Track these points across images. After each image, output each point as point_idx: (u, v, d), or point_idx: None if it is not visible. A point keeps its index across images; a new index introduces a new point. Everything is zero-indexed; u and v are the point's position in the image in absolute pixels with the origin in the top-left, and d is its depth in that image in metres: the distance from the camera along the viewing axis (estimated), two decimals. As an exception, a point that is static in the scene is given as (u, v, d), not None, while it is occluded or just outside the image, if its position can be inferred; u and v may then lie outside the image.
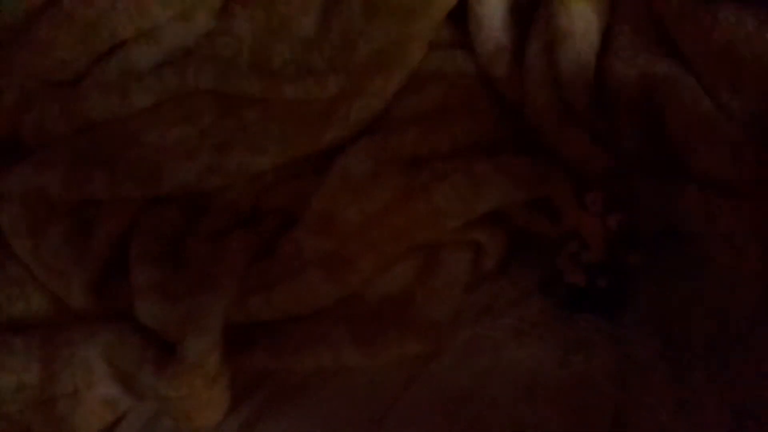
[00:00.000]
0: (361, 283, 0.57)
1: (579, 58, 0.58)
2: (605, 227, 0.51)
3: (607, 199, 0.51)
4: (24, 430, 0.55)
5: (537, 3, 0.62)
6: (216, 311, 0.55)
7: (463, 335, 0.55)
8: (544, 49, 0.59)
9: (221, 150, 0.66)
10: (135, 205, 0.66)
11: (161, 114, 0.68)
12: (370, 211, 0.58)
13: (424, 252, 0.58)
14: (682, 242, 0.53)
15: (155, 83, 0.68)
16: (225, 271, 0.58)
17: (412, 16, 0.63)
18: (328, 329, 0.56)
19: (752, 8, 0.51)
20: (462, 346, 0.55)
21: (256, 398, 0.56)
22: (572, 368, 0.52)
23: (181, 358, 0.54)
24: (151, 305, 0.57)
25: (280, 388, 0.56)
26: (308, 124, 0.66)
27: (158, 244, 0.62)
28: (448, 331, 0.55)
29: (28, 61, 0.67)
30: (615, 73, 0.57)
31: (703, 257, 0.53)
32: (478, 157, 0.56)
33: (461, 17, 0.64)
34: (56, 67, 0.68)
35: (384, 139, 0.61)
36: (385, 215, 0.57)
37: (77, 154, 0.65)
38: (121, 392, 0.56)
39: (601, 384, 0.51)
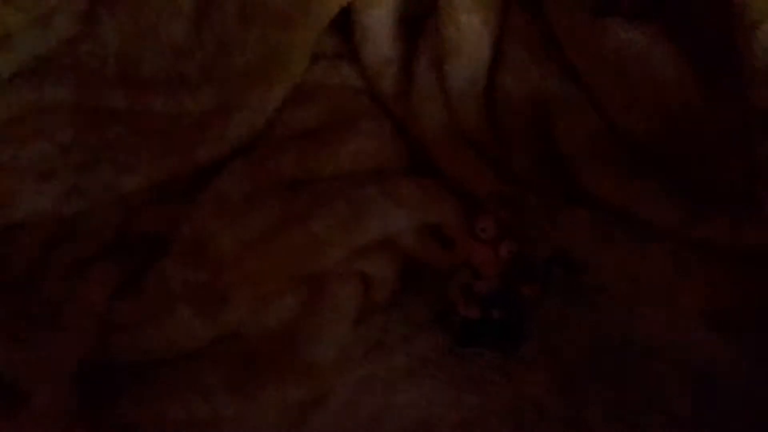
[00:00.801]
0: (238, 320, 0.52)
1: (469, 72, 0.54)
2: (497, 256, 0.48)
3: (499, 226, 0.48)
4: None
5: (426, 15, 0.58)
6: (68, 356, 0.50)
7: (351, 376, 0.51)
8: (433, 63, 0.56)
9: (83, 170, 0.60)
10: (-15, 234, 0.59)
11: (15, 130, 0.61)
12: (245, 239, 0.53)
13: (307, 284, 0.53)
14: (577, 270, 0.50)
15: (8, 96, 0.61)
16: (81, 309, 0.52)
17: (291, 24, 0.57)
18: (201, 374, 0.51)
19: (642, 26, 0.49)
20: (350, 388, 0.51)
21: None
22: (466, 409, 0.49)
23: (29, 408, 0.48)
24: (-2, 349, 0.51)
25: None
26: (180, 140, 0.60)
27: (9, 278, 0.56)
28: (334, 372, 0.51)
29: None
30: (506, 90, 0.54)
31: (598, 286, 0.50)
32: (363, 181, 0.52)
33: (346, 27, 0.60)
34: None
35: (262, 160, 0.56)
36: (262, 244, 0.52)
37: None
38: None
39: (496, 426, 0.48)
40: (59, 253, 0.57)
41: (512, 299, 0.50)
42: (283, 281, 0.52)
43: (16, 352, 0.52)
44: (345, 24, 0.60)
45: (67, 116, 0.62)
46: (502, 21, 0.56)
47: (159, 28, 0.62)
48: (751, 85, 0.41)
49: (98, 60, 0.64)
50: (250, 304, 0.52)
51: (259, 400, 0.50)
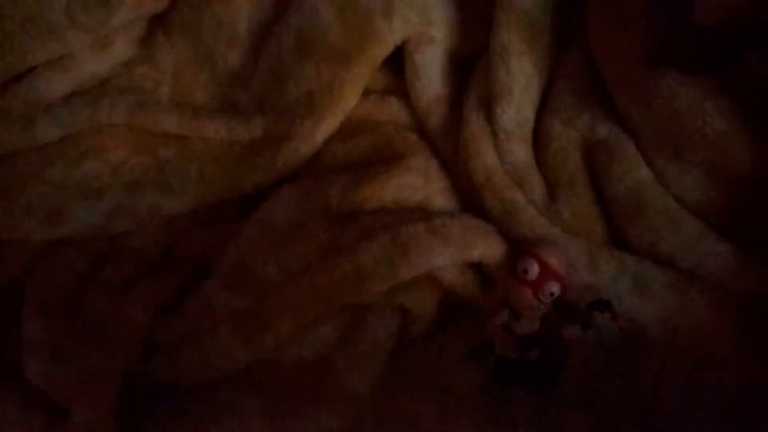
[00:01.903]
0: (277, 346, 0.53)
1: (517, 115, 0.55)
2: (538, 298, 0.48)
3: (543, 269, 0.48)
4: None
5: (477, 55, 0.59)
6: (111, 375, 0.50)
7: (385, 408, 0.51)
8: (482, 103, 0.56)
9: (132, 190, 0.61)
10: (33, 248, 0.60)
11: (68, 148, 0.63)
12: (290, 267, 0.54)
13: (346, 315, 0.54)
14: (618, 316, 0.49)
15: (64, 115, 0.62)
16: (126, 329, 0.53)
17: (347, 59, 0.59)
18: (238, 398, 0.52)
19: (695, 78, 0.49)
20: (381, 419, 0.51)
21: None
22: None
23: (69, 425, 0.49)
24: (41, 363, 0.52)
25: (182, 461, 0.51)
26: (230, 166, 0.62)
27: (56, 295, 0.57)
28: (368, 403, 0.51)
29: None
30: (554, 134, 0.54)
31: (635, 331, 0.50)
32: (409, 217, 0.52)
33: (398, 64, 0.61)
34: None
35: (310, 189, 0.57)
36: (307, 273, 0.52)
37: (-27, 189, 0.59)
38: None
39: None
40: (105, 271, 0.59)
41: (551, 341, 0.50)
42: (324, 310, 0.52)
43: (59, 368, 0.52)
44: (396, 61, 0.61)
45: (120, 137, 0.63)
46: (553, 65, 0.57)
47: (215, 56, 0.64)
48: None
49: (153, 83, 0.65)
50: (289, 331, 0.52)
51: (294, 427, 0.50)
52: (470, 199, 0.55)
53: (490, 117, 0.55)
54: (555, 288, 0.48)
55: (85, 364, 0.52)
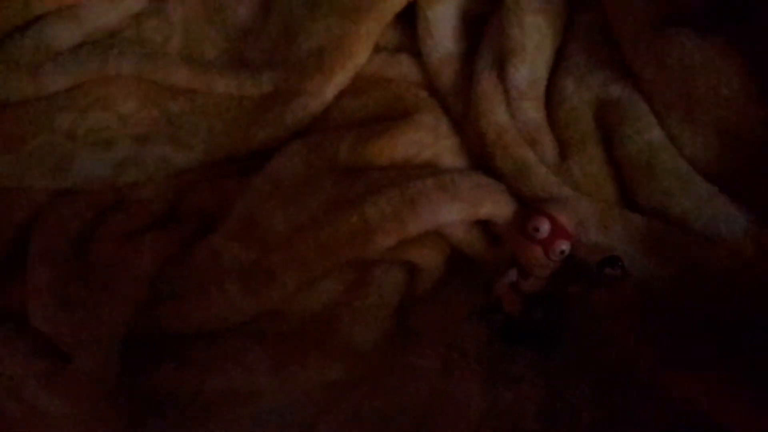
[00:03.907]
0: (283, 299, 0.53)
1: (530, 74, 0.54)
2: (548, 257, 0.48)
3: (553, 227, 0.48)
4: None
5: (490, 13, 0.58)
6: (116, 320, 0.51)
7: (389, 363, 0.51)
8: (495, 61, 0.55)
9: (141, 142, 0.61)
10: (41, 196, 0.60)
11: (77, 98, 0.62)
12: (297, 221, 0.53)
13: (353, 269, 0.54)
14: (628, 275, 0.49)
15: (72, 64, 0.62)
16: (131, 277, 0.53)
17: (358, 14, 0.58)
18: (243, 348, 0.52)
19: (709, 37, 0.48)
20: (386, 374, 0.51)
21: (160, 418, 0.52)
22: (498, 401, 0.49)
23: (75, 369, 0.49)
24: (45, 308, 0.52)
25: (186, 409, 0.52)
26: (239, 121, 0.61)
27: (62, 242, 0.57)
28: (373, 357, 0.51)
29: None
30: (567, 93, 0.54)
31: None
32: (418, 172, 0.52)
33: (409, 20, 0.60)
34: (-40, 40, 0.61)
35: (319, 144, 0.57)
36: (314, 227, 0.52)
37: (-20, 136, 0.59)
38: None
39: (526, 420, 0.48)
40: (112, 220, 0.58)
41: (556, 300, 0.50)
42: (331, 265, 0.52)
43: (63, 313, 0.52)
44: (408, 17, 0.60)
45: (129, 88, 0.63)
46: (567, 24, 0.56)
47: (225, 10, 0.64)
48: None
49: (162, 36, 0.65)
50: (296, 284, 0.52)
51: (299, 378, 0.51)
52: (480, 158, 0.55)
53: (502, 75, 0.55)
54: (565, 246, 0.48)
55: (90, 311, 0.52)
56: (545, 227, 0.48)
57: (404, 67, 0.61)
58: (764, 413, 0.42)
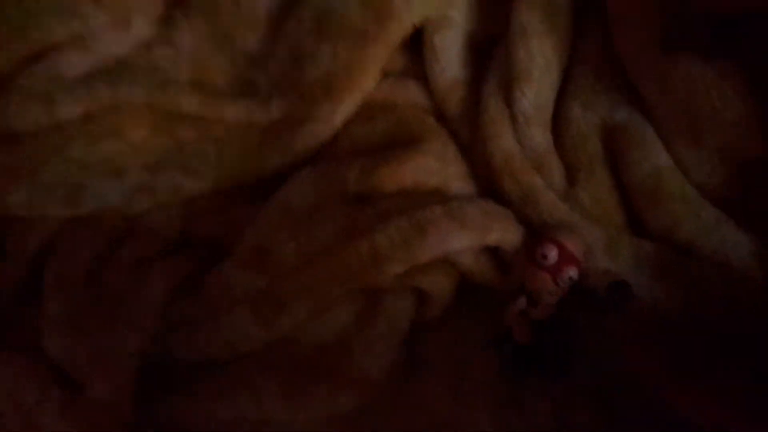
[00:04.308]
0: (294, 327, 0.53)
1: (537, 98, 0.55)
2: (557, 284, 0.48)
3: (561, 254, 0.48)
4: None
5: (497, 38, 0.58)
6: (129, 349, 0.51)
7: (398, 391, 0.51)
8: (501, 87, 0.56)
9: (152, 170, 0.61)
10: (54, 225, 0.60)
11: (89, 127, 0.63)
12: (308, 249, 0.54)
13: (363, 297, 0.54)
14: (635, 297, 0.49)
15: (84, 93, 0.62)
16: (144, 305, 0.53)
17: (365, 40, 0.58)
18: (254, 376, 0.52)
19: (714, 61, 0.48)
20: (396, 402, 0.51)
21: (172, 447, 0.52)
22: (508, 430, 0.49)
23: (88, 399, 0.50)
24: (60, 338, 0.53)
25: (196, 438, 0.52)
26: (249, 148, 0.62)
27: (75, 271, 0.57)
28: (384, 385, 0.51)
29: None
30: (574, 117, 0.54)
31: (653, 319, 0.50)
32: (426, 200, 0.52)
33: (416, 45, 0.60)
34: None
35: (328, 171, 0.57)
36: (325, 255, 0.52)
37: (-4, 166, 0.60)
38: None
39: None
40: (123, 249, 0.59)
41: (565, 326, 0.50)
42: (341, 293, 0.52)
43: (77, 342, 0.53)
44: (415, 43, 0.60)
45: (140, 117, 0.63)
46: (572, 48, 0.56)
47: (234, 36, 0.64)
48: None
49: (172, 64, 0.65)
50: (306, 313, 0.52)
51: (309, 407, 0.51)
52: (488, 183, 0.55)
53: (509, 100, 0.55)
54: (573, 272, 0.48)
55: (103, 340, 0.52)
56: (553, 254, 0.48)
57: (411, 93, 0.61)
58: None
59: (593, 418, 0.49)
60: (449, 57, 0.59)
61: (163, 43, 0.65)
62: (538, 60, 0.55)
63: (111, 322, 0.54)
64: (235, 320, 0.53)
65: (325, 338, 0.54)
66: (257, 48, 0.64)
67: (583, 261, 0.49)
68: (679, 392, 0.47)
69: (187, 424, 0.52)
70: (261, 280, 0.54)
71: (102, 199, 0.60)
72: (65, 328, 0.53)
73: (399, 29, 0.58)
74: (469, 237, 0.50)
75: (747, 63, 0.48)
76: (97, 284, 0.57)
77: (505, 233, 0.51)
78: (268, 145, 0.61)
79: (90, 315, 0.54)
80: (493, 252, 0.53)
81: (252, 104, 0.62)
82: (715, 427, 0.45)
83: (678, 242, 0.49)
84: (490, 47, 0.59)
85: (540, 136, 0.55)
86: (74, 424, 0.51)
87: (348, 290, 0.53)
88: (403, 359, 0.53)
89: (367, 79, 0.60)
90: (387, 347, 0.53)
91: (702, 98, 0.48)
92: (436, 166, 0.55)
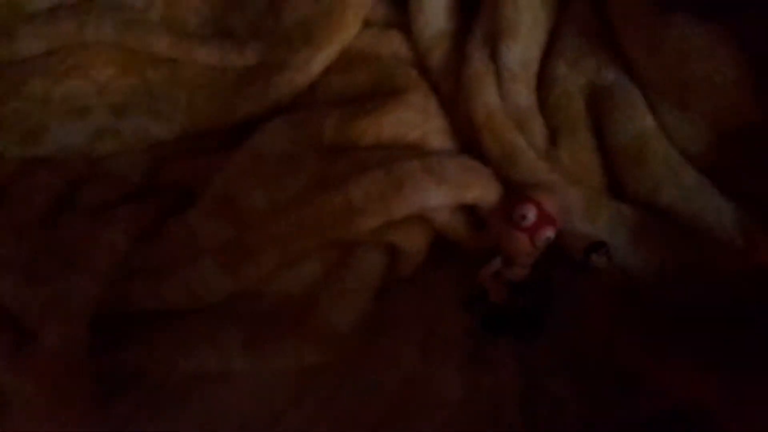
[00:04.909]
0: (260, 278, 0.51)
1: (522, 55, 0.53)
2: (534, 245, 0.47)
3: (539, 215, 0.46)
4: None
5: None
6: (85, 296, 0.48)
7: (367, 347, 0.50)
8: (487, 41, 0.54)
9: (118, 111, 0.59)
10: (11, 165, 0.57)
11: (52, 64, 0.60)
12: (278, 198, 0.52)
13: (334, 250, 0.52)
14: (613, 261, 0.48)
15: (48, 28, 0.60)
16: (102, 251, 0.51)
17: None
18: (217, 328, 0.50)
19: (706, 23, 0.47)
20: (362, 359, 0.49)
21: (128, 399, 0.49)
22: (476, 390, 0.48)
23: (40, 346, 0.47)
24: (11, 284, 0.50)
25: (156, 390, 0.50)
26: (221, 93, 0.60)
27: (31, 214, 0.54)
28: (351, 340, 0.50)
29: None
30: (559, 77, 0.53)
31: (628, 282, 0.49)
32: (404, 154, 0.50)
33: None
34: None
35: (303, 121, 0.55)
36: (296, 206, 0.50)
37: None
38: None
39: (503, 409, 0.47)
40: (84, 192, 0.56)
41: (539, 287, 0.49)
42: (311, 245, 0.51)
43: (30, 288, 0.50)
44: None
45: (107, 55, 0.61)
46: (561, 4, 0.55)
47: (212, -22, 0.61)
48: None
49: (144, 3, 0.63)
50: (274, 264, 0.50)
51: (273, 360, 0.49)
52: (469, 140, 0.54)
53: (494, 55, 0.54)
54: (550, 233, 0.47)
55: (58, 286, 0.49)
56: (532, 214, 0.46)
57: (394, 44, 0.59)
58: (743, 400, 0.42)
59: (567, 382, 0.48)
60: (435, 8, 0.57)
61: (135, -21, 0.62)
62: (526, 15, 0.53)
63: (66, 267, 0.51)
64: (199, 269, 0.51)
65: (292, 291, 0.52)
66: (235, -9, 0.62)
67: (561, 221, 0.47)
68: (648, 360, 0.47)
69: (146, 376, 0.50)
70: (227, 229, 0.52)
71: (64, 140, 0.58)
72: (18, 272, 0.50)
73: (383, -25, 0.56)
74: (447, 194, 0.49)
75: (742, 27, 0.47)
76: (55, 229, 0.54)
77: (484, 191, 0.49)
78: (242, 91, 0.58)
79: (44, 260, 0.51)
80: (468, 210, 0.51)
81: (226, 47, 0.60)
82: (684, 395, 0.44)
83: (658, 206, 0.48)
84: (476, 1, 0.57)
85: (524, 94, 0.53)
86: (21, 373, 0.48)
87: (319, 243, 0.51)
88: (372, 314, 0.51)
89: (348, 27, 0.58)
90: (356, 302, 0.51)
91: (694, 61, 0.47)
92: (417, 119, 0.53)
